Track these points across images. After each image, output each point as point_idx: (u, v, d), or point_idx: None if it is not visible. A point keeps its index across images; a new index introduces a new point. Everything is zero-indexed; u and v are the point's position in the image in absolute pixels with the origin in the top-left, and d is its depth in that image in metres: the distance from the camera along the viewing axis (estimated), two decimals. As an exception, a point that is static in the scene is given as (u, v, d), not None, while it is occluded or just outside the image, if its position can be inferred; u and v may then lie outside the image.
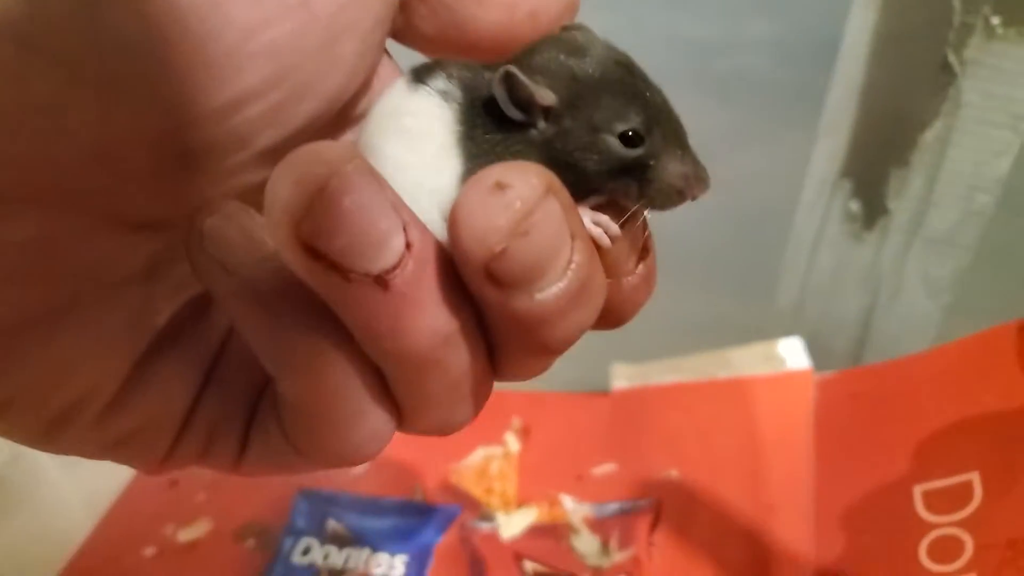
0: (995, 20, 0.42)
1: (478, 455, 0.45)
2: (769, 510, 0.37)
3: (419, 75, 0.17)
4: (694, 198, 0.16)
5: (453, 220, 0.13)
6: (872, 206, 0.49)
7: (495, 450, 0.45)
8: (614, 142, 0.16)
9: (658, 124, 0.16)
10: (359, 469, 0.46)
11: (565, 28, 0.17)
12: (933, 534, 0.31)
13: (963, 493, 0.31)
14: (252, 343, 0.16)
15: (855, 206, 0.50)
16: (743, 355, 0.45)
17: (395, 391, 0.16)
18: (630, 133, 0.16)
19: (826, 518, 0.36)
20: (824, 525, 0.36)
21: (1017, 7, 0.41)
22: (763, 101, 0.49)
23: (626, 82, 0.16)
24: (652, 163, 0.16)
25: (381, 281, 0.13)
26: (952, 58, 0.43)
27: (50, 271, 0.15)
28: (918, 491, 0.33)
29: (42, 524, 0.52)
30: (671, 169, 0.16)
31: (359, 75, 0.17)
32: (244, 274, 0.15)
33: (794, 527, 0.36)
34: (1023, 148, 0.45)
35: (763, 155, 0.51)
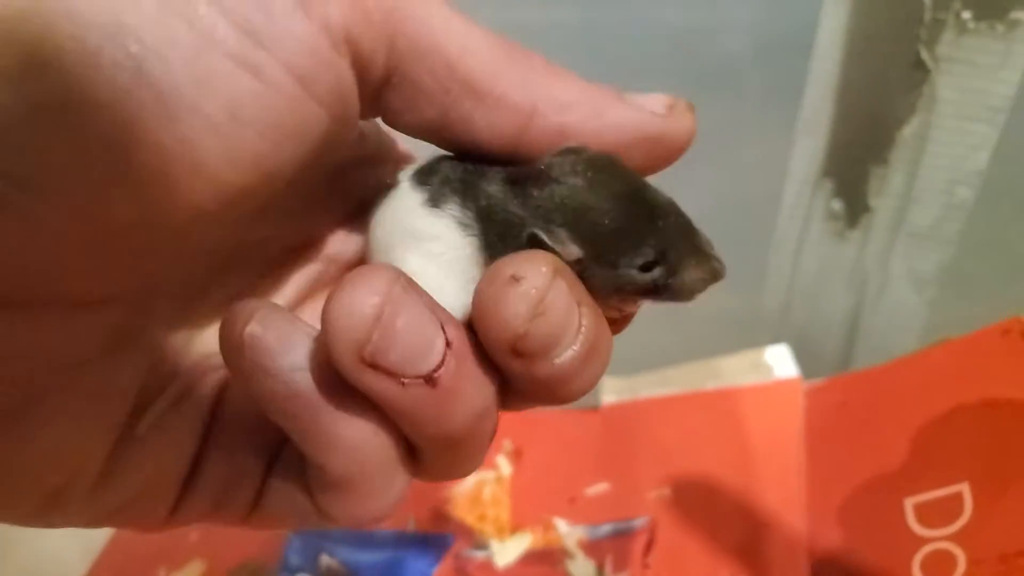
0: (966, 15, 0.42)
1: (470, 481, 0.45)
2: (763, 528, 0.37)
3: (434, 199, 0.18)
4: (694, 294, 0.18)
5: (479, 311, 0.15)
6: (854, 204, 0.49)
7: (487, 475, 0.45)
8: (635, 273, 0.17)
9: (671, 246, 0.17)
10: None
11: (569, 151, 0.18)
12: (926, 549, 0.31)
13: (954, 505, 0.31)
14: (291, 432, 0.16)
15: (837, 205, 0.49)
16: (731, 364, 0.45)
17: (426, 459, 0.17)
18: (647, 263, 0.17)
19: (819, 535, 0.36)
20: (818, 542, 0.36)
21: (986, 2, 0.41)
22: (739, 104, 0.49)
23: (638, 215, 0.17)
24: (672, 279, 0.17)
25: (430, 380, 0.15)
26: (925, 55, 0.43)
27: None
28: (909, 504, 0.33)
29: (35, 567, 0.52)
30: (689, 278, 0.17)
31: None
32: (285, 376, 0.15)
33: (788, 545, 0.36)
34: (1000, 141, 0.45)
35: (743, 157, 0.50)
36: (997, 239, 0.50)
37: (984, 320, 0.53)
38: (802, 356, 0.57)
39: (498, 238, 0.17)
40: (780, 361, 0.44)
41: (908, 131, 0.46)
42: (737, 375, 0.44)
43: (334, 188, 0.19)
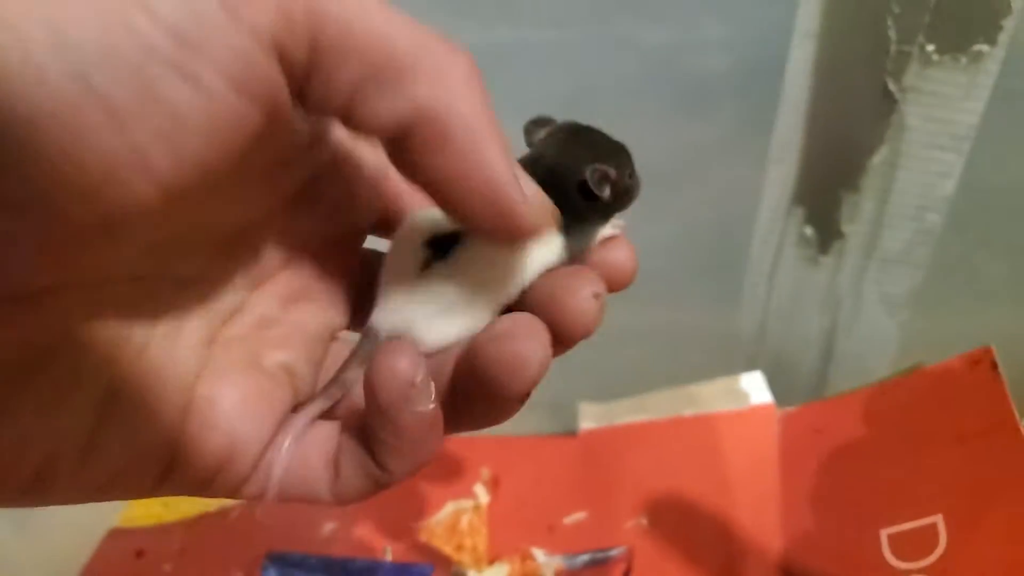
0: (930, 47, 0.43)
1: (448, 510, 0.45)
2: (739, 555, 0.37)
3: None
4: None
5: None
6: (826, 230, 0.50)
7: (465, 503, 0.45)
8: (628, 179, 0.21)
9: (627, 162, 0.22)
10: (328, 529, 0.45)
11: (539, 121, 0.22)
12: (900, 579, 0.31)
13: (928, 537, 0.31)
14: (381, 428, 0.19)
15: (809, 231, 0.50)
16: (707, 391, 0.45)
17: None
18: (631, 172, 0.22)
19: (795, 562, 0.36)
20: (793, 570, 0.36)
21: (950, 35, 0.42)
22: (713, 130, 0.50)
23: (618, 144, 0.22)
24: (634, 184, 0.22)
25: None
26: (892, 86, 0.44)
27: None
28: (884, 535, 0.33)
29: (53, 536, 0.51)
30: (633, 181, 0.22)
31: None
32: (419, 411, 0.18)
33: (764, 573, 0.36)
34: (966, 168, 0.46)
35: (718, 182, 0.51)
36: (966, 263, 0.51)
37: (956, 341, 0.53)
38: (778, 377, 0.57)
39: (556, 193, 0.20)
40: (755, 387, 0.44)
41: (878, 159, 0.47)
42: (713, 401, 0.45)
43: (273, 173, 0.20)
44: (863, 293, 0.51)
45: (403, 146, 0.17)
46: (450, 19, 0.46)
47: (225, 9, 0.15)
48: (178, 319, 0.19)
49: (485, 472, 0.47)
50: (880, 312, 0.52)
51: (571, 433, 0.48)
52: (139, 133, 0.14)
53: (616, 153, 0.21)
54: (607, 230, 0.22)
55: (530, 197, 0.19)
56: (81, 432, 0.17)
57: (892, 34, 0.43)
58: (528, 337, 0.18)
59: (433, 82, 0.17)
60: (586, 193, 0.20)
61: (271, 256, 0.21)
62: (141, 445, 0.18)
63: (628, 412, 0.47)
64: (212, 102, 0.15)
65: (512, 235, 0.18)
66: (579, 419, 0.48)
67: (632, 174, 0.22)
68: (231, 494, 0.20)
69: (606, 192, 0.20)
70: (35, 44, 0.13)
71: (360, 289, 0.23)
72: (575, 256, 0.21)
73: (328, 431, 0.20)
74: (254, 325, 0.21)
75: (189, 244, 0.19)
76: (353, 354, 0.21)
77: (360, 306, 0.23)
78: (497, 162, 0.17)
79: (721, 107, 0.49)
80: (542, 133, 0.22)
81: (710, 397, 0.45)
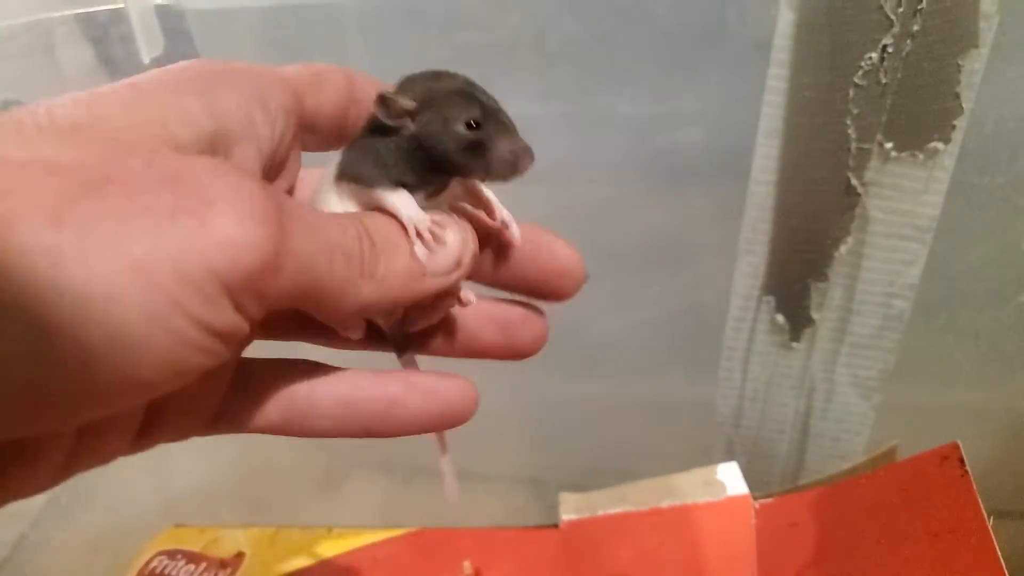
0: (888, 145, 0.44)
1: (429, 608, 0.44)
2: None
3: None
4: (523, 170, 0.22)
5: None
6: (797, 318, 0.51)
7: (446, 600, 0.45)
8: (461, 128, 0.21)
9: (493, 118, 0.22)
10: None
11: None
12: None
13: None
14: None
15: (780, 319, 0.51)
16: (685, 481, 0.46)
17: None
18: (471, 122, 0.21)
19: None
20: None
21: (906, 133, 0.44)
22: (686, 220, 0.51)
23: (467, 91, 0.22)
24: (489, 143, 0.22)
25: None
26: (854, 180, 0.46)
27: None
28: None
29: (116, 514, 0.52)
30: (503, 146, 0.22)
31: None
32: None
33: None
34: (930, 256, 0.48)
35: (689, 274, 0.52)
36: (935, 347, 0.52)
37: (929, 422, 0.55)
38: (756, 459, 0.58)
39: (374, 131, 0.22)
40: (731, 478, 0.45)
41: (844, 249, 0.48)
42: (691, 492, 0.45)
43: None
44: (836, 377, 0.52)
45: None
46: None
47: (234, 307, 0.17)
48: None
49: (467, 566, 0.47)
50: (853, 395, 0.53)
51: (552, 524, 0.48)
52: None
53: (434, 88, 0.22)
54: (400, 201, 0.22)
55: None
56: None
57: (852, 132, 0.44)
58: None
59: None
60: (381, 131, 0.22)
61: None
62: None
63: (609, 503, 0.47)
64: (208, 357, 0.17)
65: None
66: (560, 509, 0.49)
67: (473, 123, 0.22)
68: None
69: (389, 118, 0.21)
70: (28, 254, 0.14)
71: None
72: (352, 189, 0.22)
73: None
74: None
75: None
76: None
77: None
78: None
79: (696, 187, 0.50)
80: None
81: (688, 488, 0.45)
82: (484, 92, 0.22)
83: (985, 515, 0.33)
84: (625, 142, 0.50)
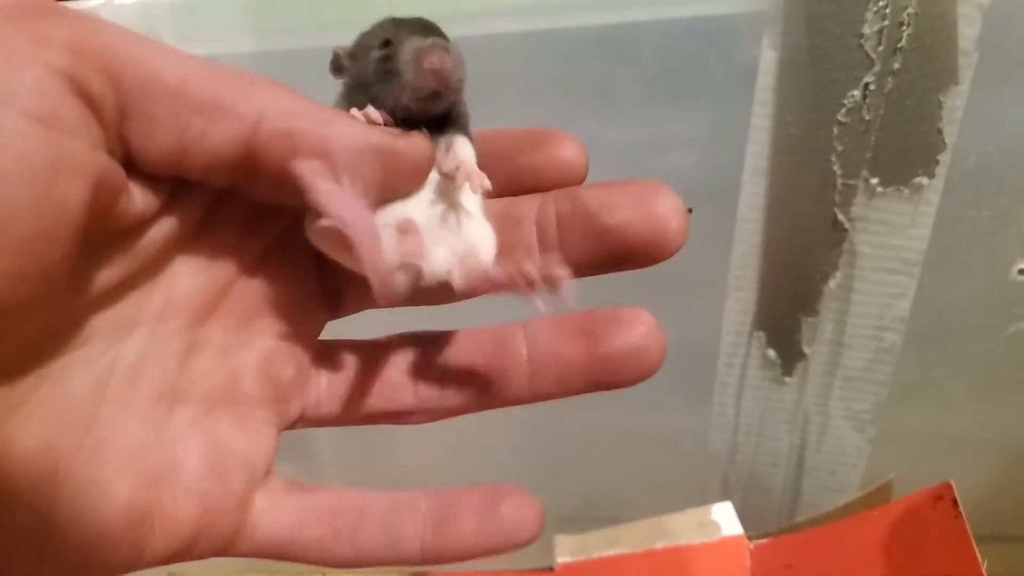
0: (874, 181, 0.45)
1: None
2: None
3: None
4: (433, 66, 0.20)
5: None
6: (788, 353, 0.51)
7: (441, 648, 0.44)
8: (376, 52, 0.21)
9: (406, 33, 0.21)
10: None
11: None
12: None
13: None
14: None
15: (772, 354, 0.51)
16: (679, 522, 0.46)
17: None
18: (385, 41, 0.21)
19: None
20: None
21: (891, 169, 0.44)
22: (672, 261, 0.51)
23: (386, 25, 0.21)
24: (397, 51, 0.20)
25: None
26: (841, 216, 0.46)
27: None
28: None
29: None
30: (407, 46, 0.20)
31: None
32: None
33: None
34: (919, 289, 0.48)
35: (680, 311, 0.52)
36: (927, 378, 0.52)
37: (923, 452, 0.54)
38: (751, 494, 0.57)
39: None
40: (726, 519, 0.45)
41: (833, 284, 0.48)
42: (685, 533, 0.45)
43: (139, 230, 0.19)
44: (829, 410, 0.52)
45: (251, 168, 0.18)
46: None
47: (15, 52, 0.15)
48: (120, 388, 0.19)
49: (462, 612, 0.46)
50: (847, 428, 0.53)
51: (547, 568, 0.48)
52: None
53: (365, 33, 0.22)
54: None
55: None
56: (31, 532, 0.17)
57: (837, 169, 0.45)
58: None
59: (255, 100, 0.18)
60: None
61: (192, 287, 0.20)
62: (96, 528, 0.17)
63: (603, 545, 0.47)
64: (23, 140, 0.15)
65: None
66: (555, 552, 0.48)
67: (385, 41, 0.21)
68: (220, 553, 0.20)
69: (336, 74, 0.22)
70: None
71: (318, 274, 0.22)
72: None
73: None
74: (212, 365, 0.20)
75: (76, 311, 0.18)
76: None
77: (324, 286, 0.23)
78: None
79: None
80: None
81: (682, 529, 0.45)
82: (421, 22, 0.21)
83: (979, 558, 0.33)
84: (615, 168, 0.51)
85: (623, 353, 0.21)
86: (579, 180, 0.22)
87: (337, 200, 0.18)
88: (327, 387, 0.22)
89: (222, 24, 0.45)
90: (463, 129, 0.22)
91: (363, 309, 0.24)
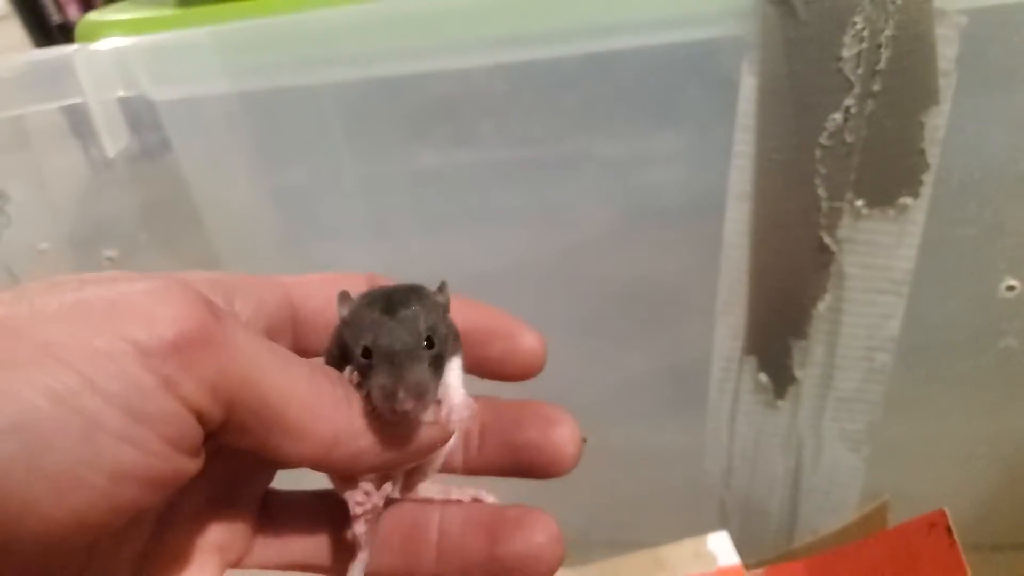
0: (859, 203, 0.45)
1: None
2: None
3: None
4: (395, 405, 0.21)
5: None
6: (780, 377, 0.51)
7: None
8: (359, 351, 0.22)
9: (382, 351, 0.22)
10: None
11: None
12: None
13: None
14: None
15: (764, 378, 0.51)
16: (675, 553, 0.45)
17: None
18: (366, 348, 0.22)
19: None
20: None
21: (876, 190, 0.44)
22: (662, 288, 0.51)
23: (376, 317, 0.22)
24: (373, 372, 0.22)
25: None
26: (827, 239, 0.46)
27: None
28: None
29: None
30: (377, 379, 0.22)
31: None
32: None
33: None
34: (908, 309, 0.48)
35: (668, 338, 0.52)
36: (920, 396, 0.52)
37: (919, 470, 0.54)
38: (748, 517, 0.57)
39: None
40: (722, 549, 0.44)
41: (822, 306, 0.48)
42: (682, 565, 0.44)
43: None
44: (823, 432, 0.52)
45: None
46: (410, 142, 0.47)
47: (163, 385, 0.17)
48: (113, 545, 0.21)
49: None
50: (842, 448, 0.53)
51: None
52: (79, 497, 0.16)
53: (358, 308, 0.23)
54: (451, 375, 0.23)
55: None
56: None
57: (822, 192, 0.45)
58: None
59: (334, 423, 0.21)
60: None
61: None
62: None
63: (599, 578, 0.46)
64: (153, 460, 0.17)
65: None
66: (551, 586, 0.48)
67: (366, 349, 0.22)
68: None
69: (343, 312, 0.23)
70: None
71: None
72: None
73: None
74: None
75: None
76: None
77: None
78: None
79: (674, 239, 0.50)
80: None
81: (678, 560, 0.45)
82: (405, 321, 0.23)
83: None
84: (600, 188, 0.50)
85: (519, 558, 0.23)
86: (538, 371, 0.25)
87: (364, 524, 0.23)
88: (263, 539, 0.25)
89: (198, 65, 0.45)
90: (450, 354, 0.24)
91: None
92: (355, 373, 0.23)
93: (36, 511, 0.15)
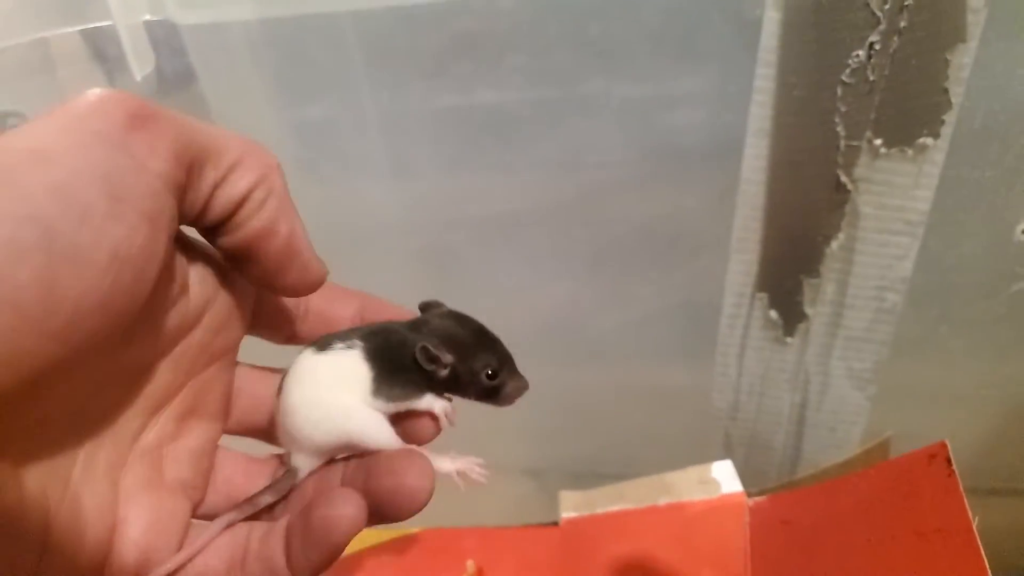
0: (877, 142, 0.44)
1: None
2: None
3: (322, 344, 0.26)
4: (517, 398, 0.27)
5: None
6: (790, 314, 0.51)
7: (451, 600, 0.46)
8: (483, 378, 0.27)
9: (505, 366, 0.27)
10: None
11: (429, 304, 0.28)
12: None
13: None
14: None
15: (774, 315, 0.52)
16: (680, 479, 0.47)
17: None
18: (491, 372, 0.27)
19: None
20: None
21: (895, 130, 0.44)
22: (678, 223, 0.52)
23: (485, 341, 0.27)
24: (502, 387, 0.27)
25: None
26: (844, 177, 0.46)
27: None
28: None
29: None
30: (511, 386, 0.27)
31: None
32: None
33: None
34: (922, 250, 0.48)
35: (682, 273, 0.53)
36: (928, 337, 0.52)
37: (923, 411, 0.55)
38: (753, 451, 0.58)
39: (391, 358, 0.25)
40: (726, 476, 0.46)
41: (835, 245, 0.48)
42: (686, 490, 0.46)
43: (161, 313, 0.23)
44: (830, 370, 0.53)
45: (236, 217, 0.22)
46: (432, 82, 0.48)
47: (136, 165, 0.19)
48: (92, 452, 0.22)
49: (470, 565, 0.48)
50: (848, 387, 0.54)
51: (552, 522, 0.50)
52: (90, 275, 0.18)
53: (464, 344, 0.26)
54: (435, 403, 0.26)
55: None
56: (30, 562, 0.20)
57: (840, 130, 0.45)
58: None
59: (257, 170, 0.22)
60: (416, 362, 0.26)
61: (165, 381, 0.24)
62: (74, 563, 0.21)
63: (607, 501, 0.48)
64: (137, 234, 0.19)
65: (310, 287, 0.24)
66: (560, 508, 0.50)
67: (491, 373, 0.26)
68: None
69: (429, 366, 0.25)
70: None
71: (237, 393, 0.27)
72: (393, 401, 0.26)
73: (232, 538, 0.24)
74: (154, 446, 0.24)
75: (97, 385, 0.22)
76: (272, 485, 0.25)
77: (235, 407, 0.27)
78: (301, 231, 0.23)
79: (691, 177, 0.50)
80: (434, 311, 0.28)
81: (684, 486, 0.46)
82: (492, 336, 0.27)
83: (971, 515, 0.34)
84: (622, 126, 0.50)
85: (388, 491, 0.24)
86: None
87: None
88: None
89: (223, -10, 0.45)
90: None
91: None
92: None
93: (57, 293, 0.17)
